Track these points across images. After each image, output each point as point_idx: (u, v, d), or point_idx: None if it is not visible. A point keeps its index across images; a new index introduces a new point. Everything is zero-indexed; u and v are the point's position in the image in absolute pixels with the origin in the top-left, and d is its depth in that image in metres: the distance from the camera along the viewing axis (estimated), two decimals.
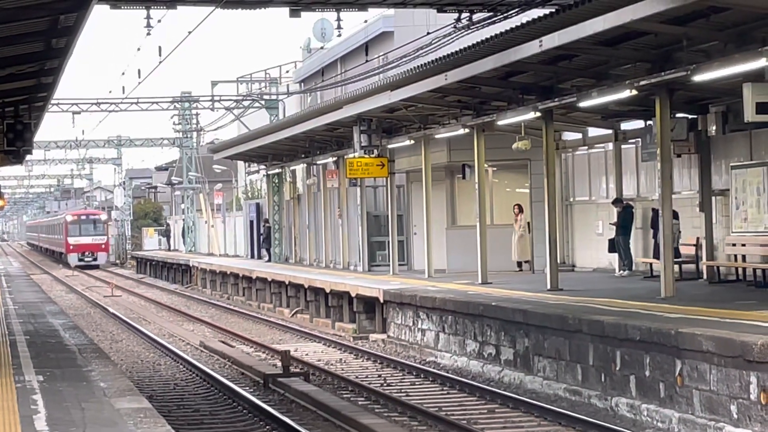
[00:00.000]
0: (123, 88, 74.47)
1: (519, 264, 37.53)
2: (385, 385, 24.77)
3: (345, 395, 23.33)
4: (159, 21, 31.03)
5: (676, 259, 28.83)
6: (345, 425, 19.66)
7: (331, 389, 24.13)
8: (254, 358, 29.72)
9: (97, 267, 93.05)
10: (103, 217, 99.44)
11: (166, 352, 32.06)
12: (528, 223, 37.40)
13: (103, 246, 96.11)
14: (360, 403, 22.39)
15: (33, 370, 18.99)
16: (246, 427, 20.58)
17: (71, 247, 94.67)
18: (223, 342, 33.41)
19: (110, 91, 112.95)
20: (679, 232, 29.85)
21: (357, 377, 25.75)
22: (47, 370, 18.94)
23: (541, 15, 24.28)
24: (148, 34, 31.47)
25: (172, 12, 30.90)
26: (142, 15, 30.77)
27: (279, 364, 26.58)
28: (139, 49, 48.38)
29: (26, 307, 35.94)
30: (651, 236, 31.20)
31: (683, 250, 29.91)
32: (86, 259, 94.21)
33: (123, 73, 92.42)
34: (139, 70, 56.27)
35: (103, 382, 17.54)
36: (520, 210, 37.32)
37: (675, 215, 29.76)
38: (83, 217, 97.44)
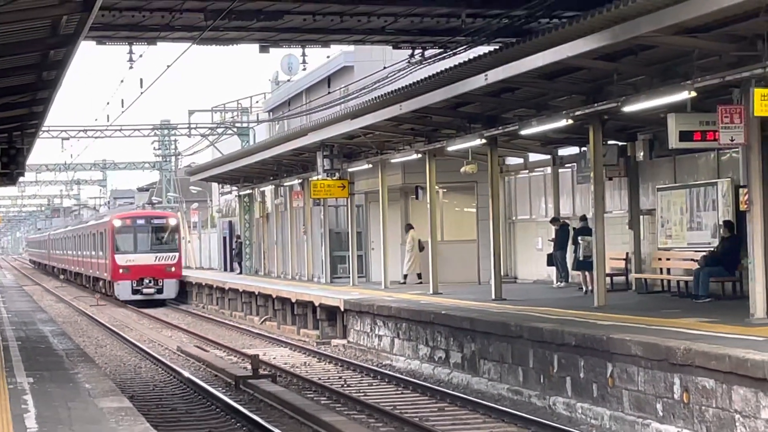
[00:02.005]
0: (108, 116, 74.32)
1: (405, 276, 37.73)
2: (345, 385, 24.71)
3: (309, 395, 23.27)
4: (140, 56, 30.96)
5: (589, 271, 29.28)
6: (308, 422, 19.60)
7: (296, 390, 24.05)
8: (227, 361, 29.60)
9: (162, 304, 54.87)
10: (173, 221, 57.24)
11: (147, 356, 31.90)
12: (418, 240, 37.56)
13: (173, 268, 55.32)
14: (322, 402, 22.33)
15: (24, 373, 18.85)
16: (219, 424, 20.51)
17: (120, 270, 54.74)
18: (198, 347, 33.27)
19: (96, 119, 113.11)
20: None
21: (320, 379, 25.68)
22: (37, 373, 18.80)
23: (487, 51, 24.32)
24: (131, 67, 31.35)
25: (152, 47, 30.87)
26: (125, 50, 30.66)
27: (249, 367, 26.48)
28: (122, 81, 48.37)
29: (18, 315, 35.67)
30: (572, 251, 31.26)
31: (613, 263, 29.99)
32: (146, 290, 54.69)
33: (108, 103, 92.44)
34: (122, 100, 57.18)
35: (88, 383, 17.43)
36: (409, 228, 37.54)
37: (590, 232, 29.92)
38: (140, 221, 56.21)
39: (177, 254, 56.06)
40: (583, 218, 30.96)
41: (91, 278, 66.63)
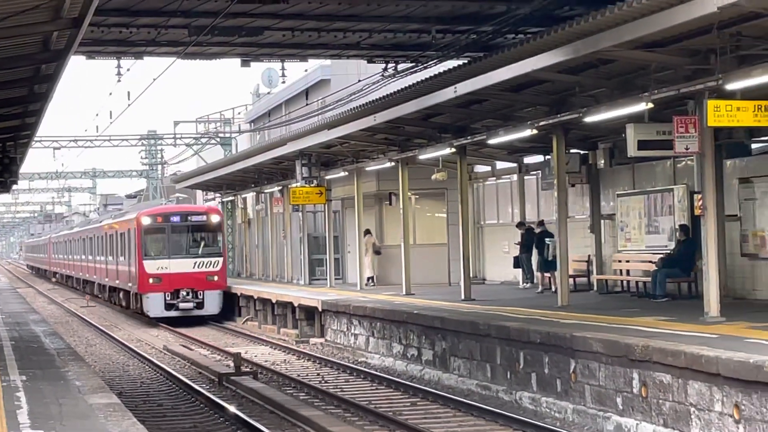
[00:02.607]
0: (97, 126, 74.43)
1: (369, 278, 37.74)
2: (323, 382, 24.68)
3: (288, 391, 23.22)
4: (128, 69, 30.89)
5: (551, 272, 29.43)
6: (288, 417, 19.57)
7: (277, 386, 24.01)
8: (210, 359, 29.53)
9: (202, 321, 42.71)
10: (215, 217, 44.48)
11: (134, 354, 31.80)
12: (374, 243, 37.55)
13: (216, 277, 43.11)
14: (301, 397, 22.30)
15: (17, 371, 18.77)
16: (203, 418, 20.46)
17: (150, 280, 42.59)
18: (183, 346, 33.20)
19: (86, 130, 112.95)
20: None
21: (299, 375, 25.64)
22: (29, 371, 18.73)
23: (456, 65, 24.35)
24: (119, 80, 31.28)
25: (139, 61, 30.78)
26: (113, 64, 30.62)
27: (231, 364, 26.45)
28: (110, 93, 48.24)
29: (12, 316, 35.52)
30: (537, 254, 31.35)
31: (576, 265, 30.05)
32: (183, 305, 42.30)
33: (97, 114, 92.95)
34: (110, 112, 56.87)
35: (78, 381, 17.37)
36: (366, 233, 37.51)
37: (551, 235, 30.08)
38: (175, 219, 43.67)
39: (221, 259, 43.29)
40: (541, 223, 31.24)
41: (107, 288, 53.48)
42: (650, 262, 26.79)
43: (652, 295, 25.58)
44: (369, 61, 32.01)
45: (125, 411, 14.18)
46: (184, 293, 42.24)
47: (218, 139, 71.93)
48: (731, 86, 18.23)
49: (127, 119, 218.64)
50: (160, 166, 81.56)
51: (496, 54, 21.90)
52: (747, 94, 18.62)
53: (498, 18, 26.10)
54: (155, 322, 41.71)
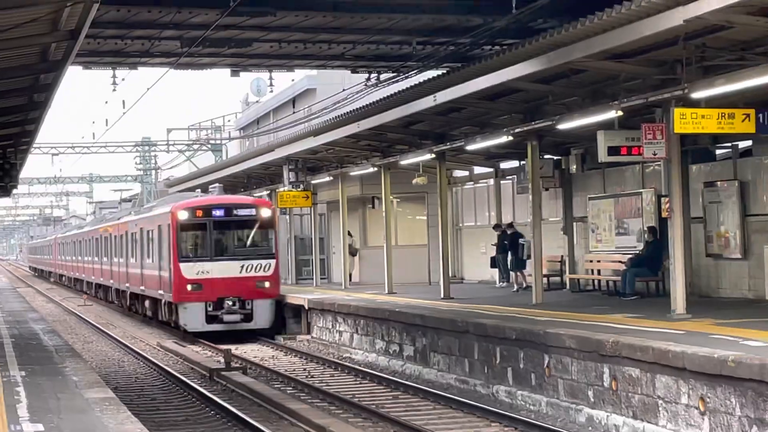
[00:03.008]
0: (93, 134, 73.96)
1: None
2: (309, 376, 24.65)
3: (276, 385, 23.18)
4: (123, 79, 30.92)
5: (523, 270, 29.54)
6: (275, 410, 19.56)
7: (265, 380, 23.97)
8: (202, 355, 29.45)
9: (252, 336, 33.87)
10: (266, 211, 34.87)
11: (129, 351, 31.68)
12: (349, 245, 37.50)
13: (267, 284, 34.03)
14: (288, 391, 22.26)
15: (17, 367, 18.71)
16: (195, 411, 20.40)
17: (189, 286, 33.69)
18: (176, 342, 33.06)
19: (83, 137, 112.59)
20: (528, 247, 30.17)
21: (286, 370, 25.60)
22: (29, 367, 18.67)
23: (435, 75, 24.39)
24: (114, 89, 31.29)
25: (133, 72, 30.79)
26: (109, 74, 30.63)
27: (222, 360, 26.40)
28: (106, 102, 48.31)
29: (12, 314, 35.38)
30: (511, 254, 31.43)
31: (549, 265, 30.11)
32: (228, 317, 33.43)
33: (93, 122, 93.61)
34: (106, 119, 56.20)
35: (76, 376, 17.32)
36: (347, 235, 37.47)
37: (522, 235, 30.18)
38: (218, 213, 34.57)
39: (273, 262, 33.93)
40: (510, 225, 31.46)
41: (126, 294, 43.96)
42: (620, 262, 26.85)
43: (621, 294, 25.63)
44: (353, 72, 32.07)
45: (120, 405, 14.15)
46: (230, 303, 33.07)
47: (209, 146, 71.92)
48: (696, 95, 18.30)
49: (122, 127, 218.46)
50: (153, 172, 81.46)
51: (473, 65, 21.94)
52: (711, 103, 18.70)
53: (475, 30, 26.16)
54: (192, 337, 33.69)
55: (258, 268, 33.60)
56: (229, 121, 78.30)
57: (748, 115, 18.80)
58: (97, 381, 16.81)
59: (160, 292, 35.82)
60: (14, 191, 42.36)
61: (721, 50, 18.28)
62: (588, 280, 29.06)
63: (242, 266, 33.54)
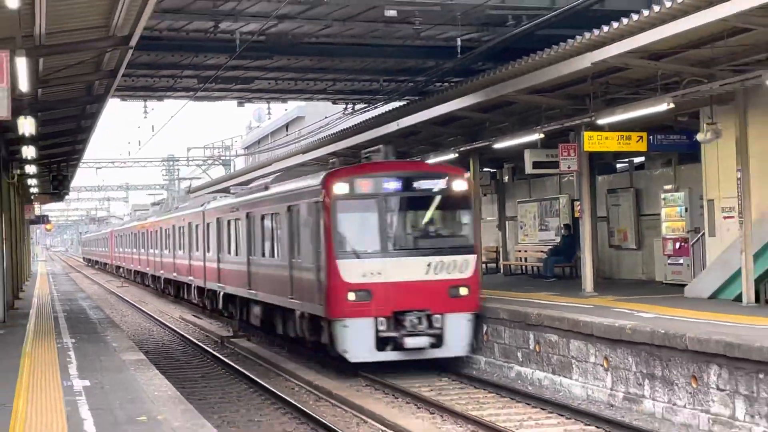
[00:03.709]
0: (129, 151, 73.98)
1: None
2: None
3: (274, 349, 23.07)
4: (152, 109, 30.89)
5: None
6: (273, 369, 19.47)
7: (266, 345, 23.87)
8: (215, 326, 29.33)
9: (440, 367, 17.11)
10: (460, 184, 17.22)
11: (158, 323, 31.51)
12: None
13: (464, 290, 16.78)
14: (284, 354, 22.17)
15: (69, 335, 18.61)
16: (209, 370, 20.30)
17: (351, 296, 16.30)
18: (195, 316, 32.93)
19: (120, 153, 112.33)
20: None
21: (283, 338, 25.43)
22: (78, 335, 18.56)
23: (398, 106, 24.37)
24: (145, 117, 31.21)
25: (160, 102, 30.66)
26: (141, 105, 30.54)
27: (231, 330, 26.29)
28: (139, 127, 48.31)
29: (65, 294, 35.15)
30: None
31: (487, 254, 30.14)
32: (410, 341, 16.16)
33: (129, 142, 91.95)
34: (139, 140, 56.56)
35: (115, 342, 17.23)
36: None
37: None
38: (391, 184, 16.87)
39: (472, 258, 17.72)
40: None
41: (236, 301, 25.48)
42: (542, 251, 26.95)
43: (543, 276, 25.71)
44: (333, 103, 32.06)
45: (150, 365, 14.10)
46: (413, 319, 17.16)
47: (221, 161, 71.71)
48: (601, 121, 18.37)
49: (152, 146, 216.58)
50: (177, 181, 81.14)
51: (428, 98, 21.96)
52: (613, 127, 18.79)
53: (429, 71, 26.20)
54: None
55: (452, 267, 17.53)
56: (236, 141, 78.11)
57: (641, 137, 18.94)
58: (131, 346, 16.72)
59: (311, 304, 18.26)
60: (66, 197, 42.17)
61: (621, 86, 18.38)
62: (517, 265, 29.12)
63: (429, 264, 17.39)
